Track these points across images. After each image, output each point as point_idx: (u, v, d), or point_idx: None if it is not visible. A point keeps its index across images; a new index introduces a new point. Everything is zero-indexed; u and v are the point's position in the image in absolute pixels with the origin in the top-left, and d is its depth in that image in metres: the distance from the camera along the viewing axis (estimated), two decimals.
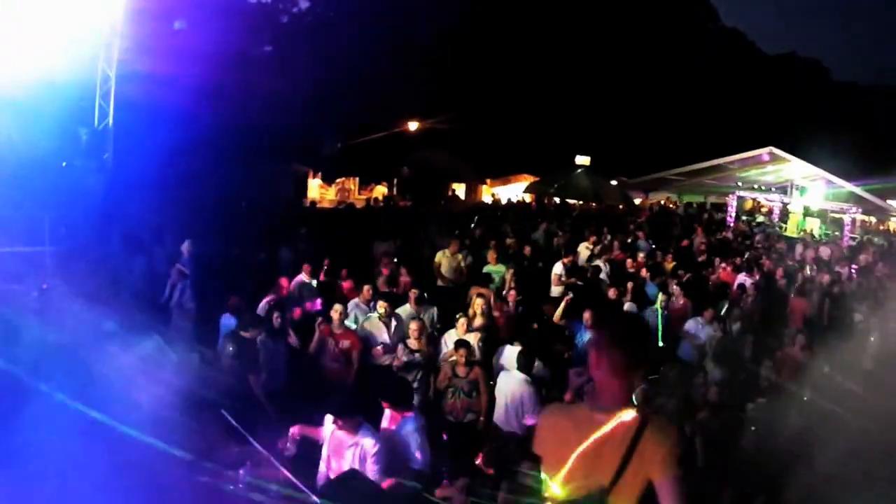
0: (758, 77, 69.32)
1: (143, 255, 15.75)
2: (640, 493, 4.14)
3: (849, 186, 33.13)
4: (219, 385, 9.80)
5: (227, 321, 12.66)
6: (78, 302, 10.32)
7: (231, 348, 11.06)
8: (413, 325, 12.71)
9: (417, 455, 8.52)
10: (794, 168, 33.40)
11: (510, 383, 11.80)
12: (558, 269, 19.37)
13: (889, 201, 37.70)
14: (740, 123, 54.32)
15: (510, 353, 12.68)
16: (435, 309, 14.80)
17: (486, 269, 18.83)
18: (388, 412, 8.92)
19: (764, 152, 33.06)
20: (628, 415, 4.18)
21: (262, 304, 13.45)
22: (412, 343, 12.55)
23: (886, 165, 35.49)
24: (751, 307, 18.24)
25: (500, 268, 18.83)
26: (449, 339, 13.13)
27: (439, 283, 18.65)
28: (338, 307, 12.66)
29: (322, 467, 8.37)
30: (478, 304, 14.49)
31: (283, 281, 15.07)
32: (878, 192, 34.65)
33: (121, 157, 19.55)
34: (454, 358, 12.04)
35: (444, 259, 18.99)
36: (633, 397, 4.22)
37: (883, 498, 9.27)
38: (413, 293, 14.37)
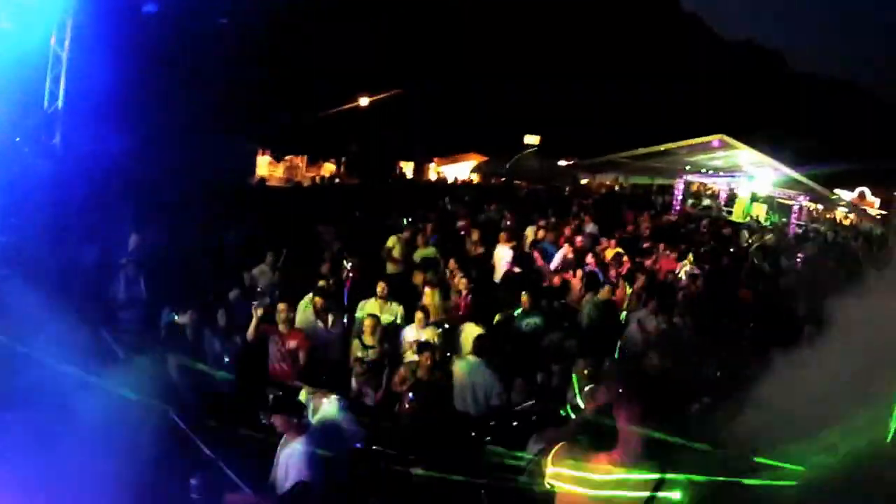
0: (715, 62, 69.53)
1: (95, 244, 15.01)
2: None
3: (795, 174, 33.10)
4: (168, 387, 9.54)
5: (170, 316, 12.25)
6: (24, 298, 9.92)
7: (167, 339, 10.96)
8: (367, 322, 12.49)
9: (353, 432, 8.80)
10: (743, 155, 33.35)
11: (468, 369, 11.74)
12: (504, 253, 18.94)
13: (837, 190, 37.96)
14: (694, 108, 54.43)
15: (468, 336, 12.60)
16: (401, 308, 14.03)
17: (425, 253, 18.36)
18: (310, 399, 8.95)
19: (714, 139, 32.97)
20: (645, 469, 4.28)
21: (233, 295, 13.19)
22: (366, 340, 12.34)
23: (837, 155, 35.66)
24: (696, 297, 18.02)
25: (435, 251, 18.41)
26: (408, 335, 12.86)
27: (389, 268, 17.87)
28: (281, 306, 12.18)
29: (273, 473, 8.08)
30: (429, 295, 14.19)
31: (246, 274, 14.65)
32: (824, 180, 34.79)
33: (70, 141, 18.97)
34: (415, 359, 11.78)
35: (397, 244, 18.31)
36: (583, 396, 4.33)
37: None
38: (381, 287, 13.81)
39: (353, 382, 11.56)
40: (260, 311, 11.69)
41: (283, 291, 14.08)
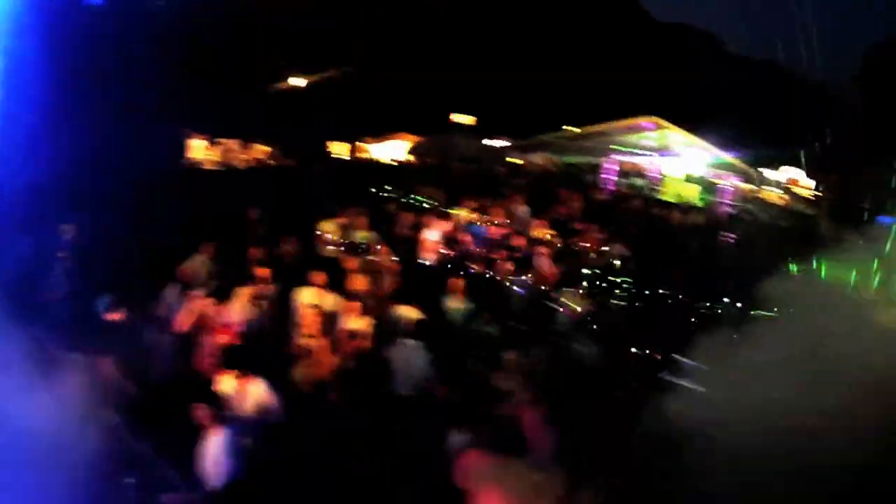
0: (647, 44, 69.82)
1: (29, 237, 14.63)
2: None
3: (727, 156, 33.25)
4: (105, 384, 9.38)
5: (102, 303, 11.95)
6: None
7: (103, 337, 10.72)
8: (307, 312, 12.44)
9: (272, 407, 9.15)
10: (675, 136, 33.42)
11: (405, 352, 11.88)
12: (433, 235, 18.63)
13: (768, 171, 38.25)
14: (626, 89, 54.56)
15: (405, 319, 12.75)
16: (337, 297, 13.74)
17: (357, 236, 18.00)
18: (234, 382, 9.12)
19: (646, 121, 33.07)
20: (559, 473, 4.53)
21: (169, 291, 12.91)
22: (307, 329, 12.20)
23: (770, 137, 35.88)
24: (626, 279, 17.92)
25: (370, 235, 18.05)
26: (343, 324, 12.74)
27: (322, 253, 17.55)
28: (211, 301, 12.15)
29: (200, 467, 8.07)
30: (357, 281, 14.13)
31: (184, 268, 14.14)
32: (756, 161, 35.01)
33: None
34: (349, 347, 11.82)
35: (331, 228, 18.03)
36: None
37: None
38: (318, 277, 13.62)
39: (294, 371, 11.45)
40: (197, 307, 11.74)
41: (220, 282, 13.91)
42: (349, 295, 13.58)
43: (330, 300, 13.35)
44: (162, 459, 7.74)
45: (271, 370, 10.75)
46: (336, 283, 14.05)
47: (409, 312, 13.10)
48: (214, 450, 7.75)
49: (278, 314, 13.38)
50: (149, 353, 11.36)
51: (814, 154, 41.04)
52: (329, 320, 12.69)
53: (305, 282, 13.62)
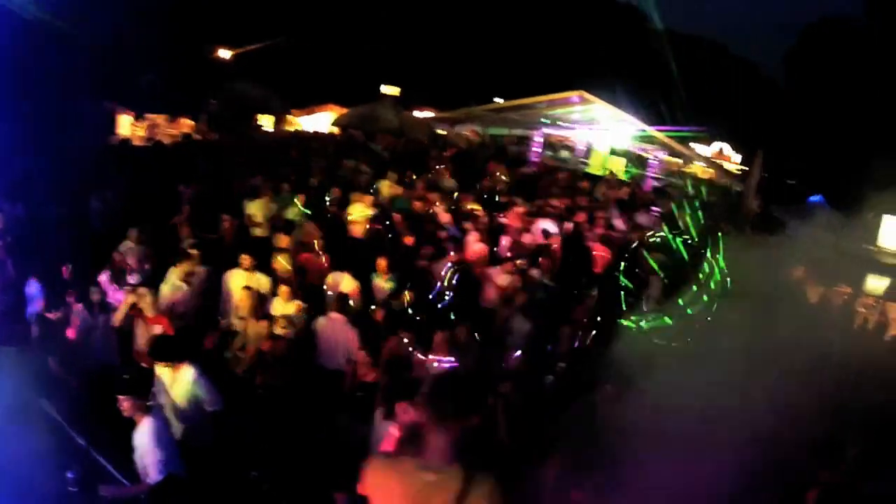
0: (576, 18, 69.75)
1: None
2: None
3: (653, 130, 33.34)
4: (43, 378, 9.40)
5: (33, 291, 12.04)
6: None
7: (38, 331, 10.75)
8: (239, 295, 12.44)
9: (211, 398, 8.91)
10: (602, 110, 33.40)
11: (331, 326, 12.08)
12: (355, 211, 18.34)
13: (695, 145, 38.53)
14: (554, 62, 54.65)
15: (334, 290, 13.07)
16: (267, 279, 13.67)
17: (289, 213, 17.94)
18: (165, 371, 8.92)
19: (574, 95, 32.98)
20: (454, 472, 4.19)
21: (103, 279, 12.73)
22: (240, 312, 12.27)
23: (698, 112, 36.13)
24: (554, 254, 17.84)
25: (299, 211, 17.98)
26: (275, 308, 12.68)
27: (255, 233, 17.26)
28: (142, 290, 11.73)
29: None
30: (280, 262, 14.17)
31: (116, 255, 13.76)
32: (683, 136, 35.16)
33: None
34: (282, 332, 11.71)
35: (256, 209, 17.70)
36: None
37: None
38: (245, 260, 13.43)
39: (228, 354, 11.62)
40: (131, 299, 11.45)
41: (153, 267, 13.75)
42: (278, 275, 13.53)
43: (260, 281, 13.26)
44: (100, 452, 7.62)
45: (203, 353, 10.76)
46: (267, 264, 14.01)
47: (342, 283, 13.34)
48: (145, 441, 7.52)
49: (210, 295, 13.31)
50: (85, 344, 11.21)
51: (743, 131, 41.45)
52: (260, 302, 12.60)
53: (236, 263, 13.49)
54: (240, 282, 12.98)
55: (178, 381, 8.87)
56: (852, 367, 12.44)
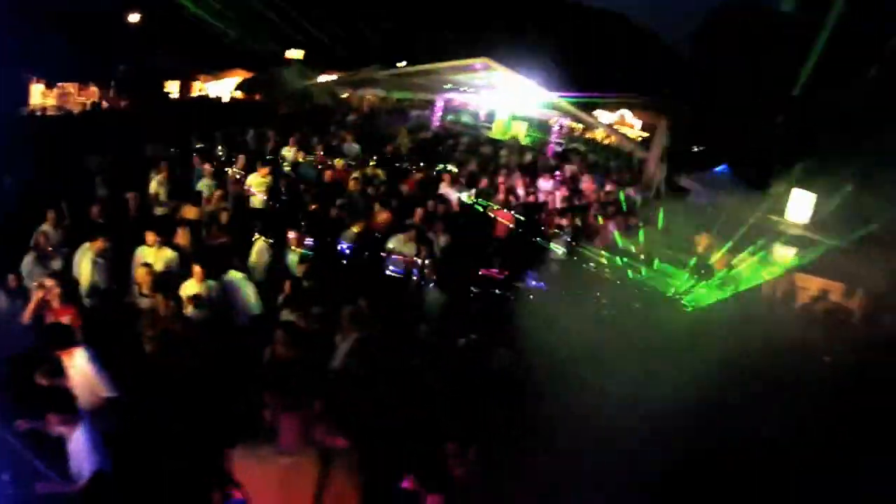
0: None
1: None
2: None
3: (556, 98, 33.33)
4: None
5: None
6: None
7: None
8: (140, 272, 12.13)
9: (106, 383, 8.72)
10: (505, 77, 33.29)
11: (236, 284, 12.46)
12: (254, 182, 17.94)
13: (598, 111, 38.73)
14: (459, 29, 54.55)
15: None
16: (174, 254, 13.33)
17: (199, 185, 17.49)
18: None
19: (478, 62, 32.85)
20: (309, 455, 4.41)
21: (27, 262, 12.41)
22: (143, 290, 11.96)
23: (602, 81, 36.31)
24: (455, 221, 17.73)
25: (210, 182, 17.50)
26: (187, 289, 12.32)
27: (158, 211, 16.59)
28: (49, 282, 11.21)
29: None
30: (181, 236, 13.76)
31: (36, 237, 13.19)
32: (584, 104, 35.26)
33: None
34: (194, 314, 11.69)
35: (159, 188, 17.04)
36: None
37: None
38: (149, 236, 13.09)
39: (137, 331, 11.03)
40: (39, 293, 11.05)
41: (71, 248, 13.23)
42: (180, 249, 13.30)
43: (165, 258, 12.98)
44: (30, 449, 7.37)
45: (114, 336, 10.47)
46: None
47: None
48: (80, 450, 7.32)
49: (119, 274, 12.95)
50: (6, 333, 10.82)
51: (642, 97, 41.73)
52: (164, 278, 12.25)
53: (142, 239, 13.20)
54: (141, 258, 12.76)
55: (73, 367, 8.66)
56: (760, 335, 12.58)
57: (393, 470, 7.78)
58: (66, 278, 11.99)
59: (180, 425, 8.65)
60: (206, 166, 18.14)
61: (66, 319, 10.55)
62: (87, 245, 12.66)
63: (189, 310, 11.55)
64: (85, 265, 12.48)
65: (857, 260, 17.29)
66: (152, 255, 12.81)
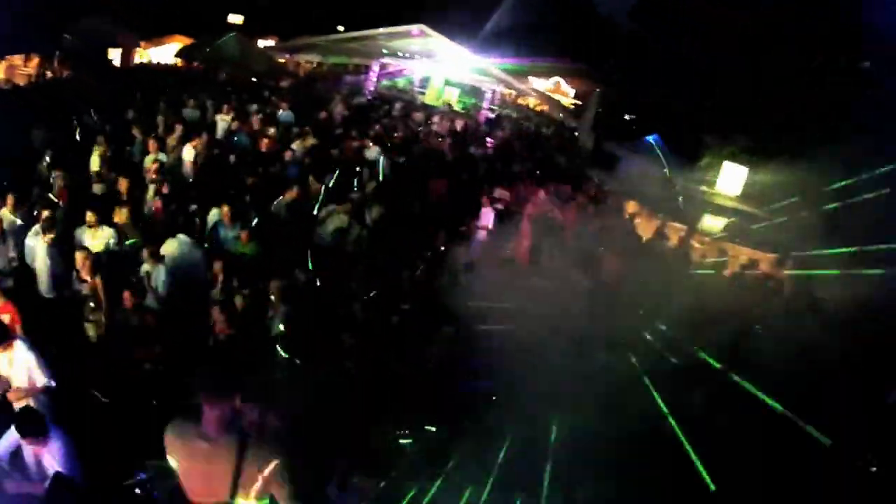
0: None
1: None
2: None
3: (490, 66, 33.48)
4: None
5: None
6: None
7: None
8: (78, 257, 11.52)
9: (40, 372, 8.63)
10: (441, 44, 33.34)
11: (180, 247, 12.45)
12: (187, 153, 17.57)
13: (531, 79, 38.87)
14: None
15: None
16: (112, 231, 12.92)
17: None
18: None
19: (414, 28, 32.87)
20: (226, 442, 4.56)
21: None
22: (83, 274, 11.47)
23: (530, 47, 36.37)
24: (386, 188, 17.73)
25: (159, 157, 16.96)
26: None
27: (96, 189, 15.79)
28: None
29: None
30: (119, 214, 13.30)
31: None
32: (518, 71, 35.40)
33: None
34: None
35: (94, 157, 16.63)
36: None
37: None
38: (90, 218, 12.60)
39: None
40: None
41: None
42: (119, 228, 12.94)
43: (104, 236, 12.63)
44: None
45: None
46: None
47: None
48: (55, 465, 7.41)
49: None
50: None
51: (584, 68, 41.91)
52: (103, 261, 11.97)
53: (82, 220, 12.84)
54: (81, 240, 12.37)
55: (12, 361, 8.64)
56: (689, 300, 12.82)
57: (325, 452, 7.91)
58: (14, 269, 11.97)
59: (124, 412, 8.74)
60: (145, 138, 17.82)
61: (6, 318, 10.20)
62: (38, 229, 12.24)
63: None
64: (40, 254, 12.10)
65: (786, 231, 17.62)
66: (90, 236, 12.48)
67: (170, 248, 12.39)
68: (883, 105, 22.35)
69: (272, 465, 4.52)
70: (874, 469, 10.33)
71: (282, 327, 10.61)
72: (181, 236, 12.54)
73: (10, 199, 13.02)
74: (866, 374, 11.63)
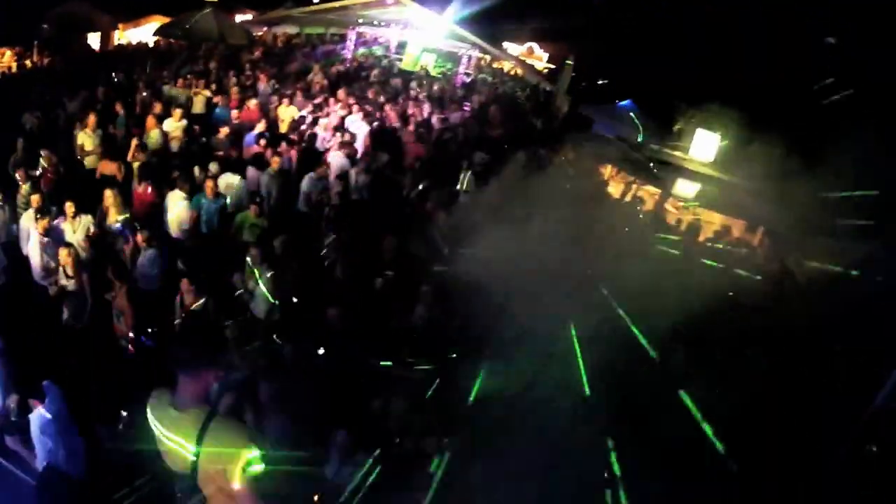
0: None
1: None
2: (223, 478, 4.60)
3: (466, 34, 33.65)
4: None
5: None
6: None
7: None
8: (63, 255, 11.66)
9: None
10: (415, 12, 33.50)
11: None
12: (171, 127, 17.78)
13: (506, 44, 39.03)
14: None
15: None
16: (90, 217, 13.01)
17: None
18: None
19: None
20: (195, 412, 4.71)
21: None
22: (68, 271, 11.65)
23: (503, 10, 36.47)
24: (364, 155, 18.09)
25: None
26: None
27: (87, 163, 16.36)
28: None
29: None
30: (108, 197, 13.40)
31: None
32: (494, 35, 35.57)
33: None
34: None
35: (86, 138, 16.56)
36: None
37: None
38: (68, 207, 12.67)
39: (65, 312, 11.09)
40: None
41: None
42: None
43: (83, 225, 12.71)
44: None
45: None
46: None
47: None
48: (35, 430, 7.72)
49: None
50: None
51: (549, 29, 41.92)
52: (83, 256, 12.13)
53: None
54: (66, 235, 12.44)
55: None
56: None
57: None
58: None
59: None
60: (127, 117, 18.15)
61: None
62: (30, 215, 12.41)
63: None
64: (34, 240, 12.18)
65: (757, 198, 17.86)
66: (70, 228, 12.55)
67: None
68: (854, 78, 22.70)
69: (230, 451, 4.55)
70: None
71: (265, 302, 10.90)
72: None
73: None
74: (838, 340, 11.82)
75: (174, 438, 4.67)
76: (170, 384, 4.83)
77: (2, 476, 7.80)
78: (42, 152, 15.12)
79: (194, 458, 4.59)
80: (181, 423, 4.66)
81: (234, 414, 7.93)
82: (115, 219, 13.03)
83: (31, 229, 12.30)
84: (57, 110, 19.17)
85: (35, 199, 12.36)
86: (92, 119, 16.72)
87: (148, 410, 4.89)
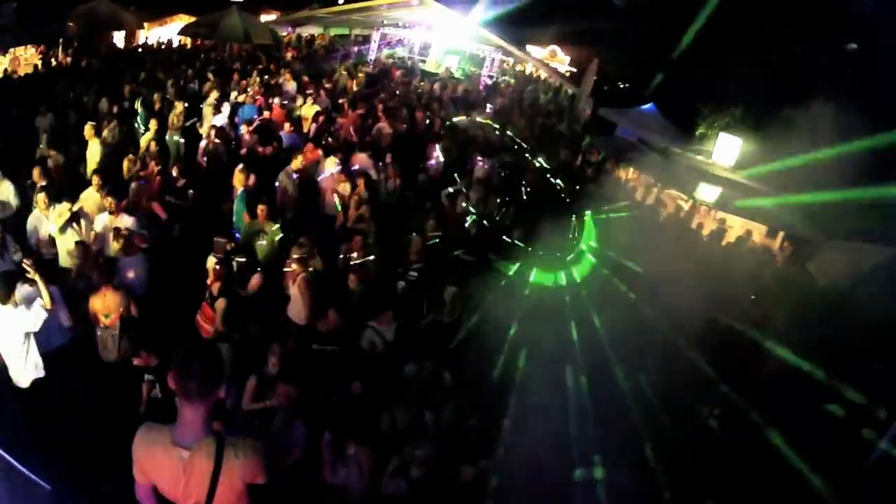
0: None
1: None
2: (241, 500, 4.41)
3: (490, 36, 33.72)
4: None
5: None
6: None
7: None
8: (75, 251, 11.45)
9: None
10: (438, 13, 33.55)
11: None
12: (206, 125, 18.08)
13: (529, 47, 39.05)
14: None
15: None
16: (66, 205, 12.51)
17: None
18: None
19: None
20: (205, 446, 4.23)
21: None
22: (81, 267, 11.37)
23: (533, 15, 36.46)
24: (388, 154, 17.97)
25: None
26: (103, 222, 12.35)
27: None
28: None
29: None
30: (135, 192, 13.50)
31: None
32: (518, 38, 35.59)
33: None
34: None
35: (105, 132, 16.78)
36: None
37: None
38: (40, 201, 12.35)
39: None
40: None
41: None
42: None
43: (60, 213, 12.30)
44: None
45: None
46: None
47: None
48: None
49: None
50: None
51: (572, 32, 41.88)
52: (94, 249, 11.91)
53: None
54: (43, 227, 12.32)
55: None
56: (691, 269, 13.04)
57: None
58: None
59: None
60: (147, 114, 18.27)
61: None
62: (37, 215, 12.29)
63: (116, 246, 11.43)
64: (64, 239, 11.99)
65: (779, 203, 17.81)
66: (47, 220, 12.27)
67: None
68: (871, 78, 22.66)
69: (252, 464, 4.32)
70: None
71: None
72: None
73: (8, 185, 13.18)
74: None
75: (187, 480, 4.25)
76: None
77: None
78: (50, 152, 15.27)
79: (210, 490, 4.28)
80: (194, 464, 4.21)
81: None
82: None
83: (38, 227, 12.26)
84: (69, 110, 19.17)
85: (41, 198, 12.32)
86: (113, 121, 17.04)
87: (141, 458, 4.33)
